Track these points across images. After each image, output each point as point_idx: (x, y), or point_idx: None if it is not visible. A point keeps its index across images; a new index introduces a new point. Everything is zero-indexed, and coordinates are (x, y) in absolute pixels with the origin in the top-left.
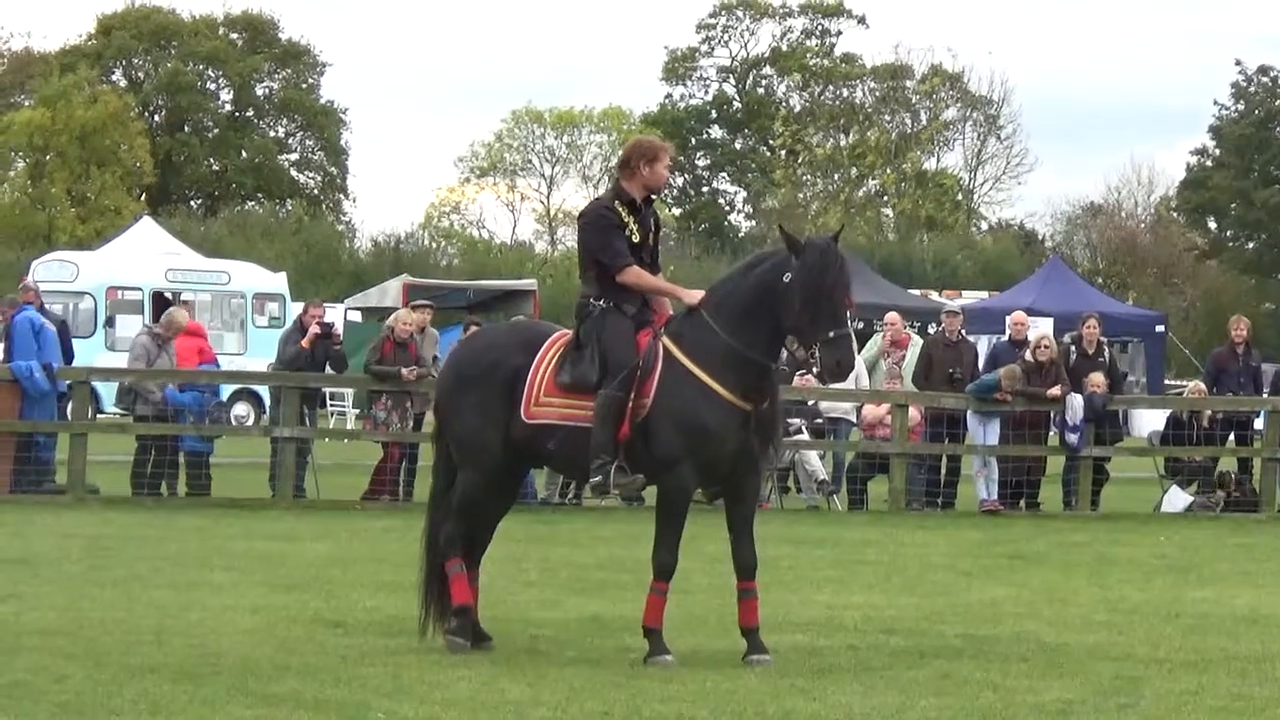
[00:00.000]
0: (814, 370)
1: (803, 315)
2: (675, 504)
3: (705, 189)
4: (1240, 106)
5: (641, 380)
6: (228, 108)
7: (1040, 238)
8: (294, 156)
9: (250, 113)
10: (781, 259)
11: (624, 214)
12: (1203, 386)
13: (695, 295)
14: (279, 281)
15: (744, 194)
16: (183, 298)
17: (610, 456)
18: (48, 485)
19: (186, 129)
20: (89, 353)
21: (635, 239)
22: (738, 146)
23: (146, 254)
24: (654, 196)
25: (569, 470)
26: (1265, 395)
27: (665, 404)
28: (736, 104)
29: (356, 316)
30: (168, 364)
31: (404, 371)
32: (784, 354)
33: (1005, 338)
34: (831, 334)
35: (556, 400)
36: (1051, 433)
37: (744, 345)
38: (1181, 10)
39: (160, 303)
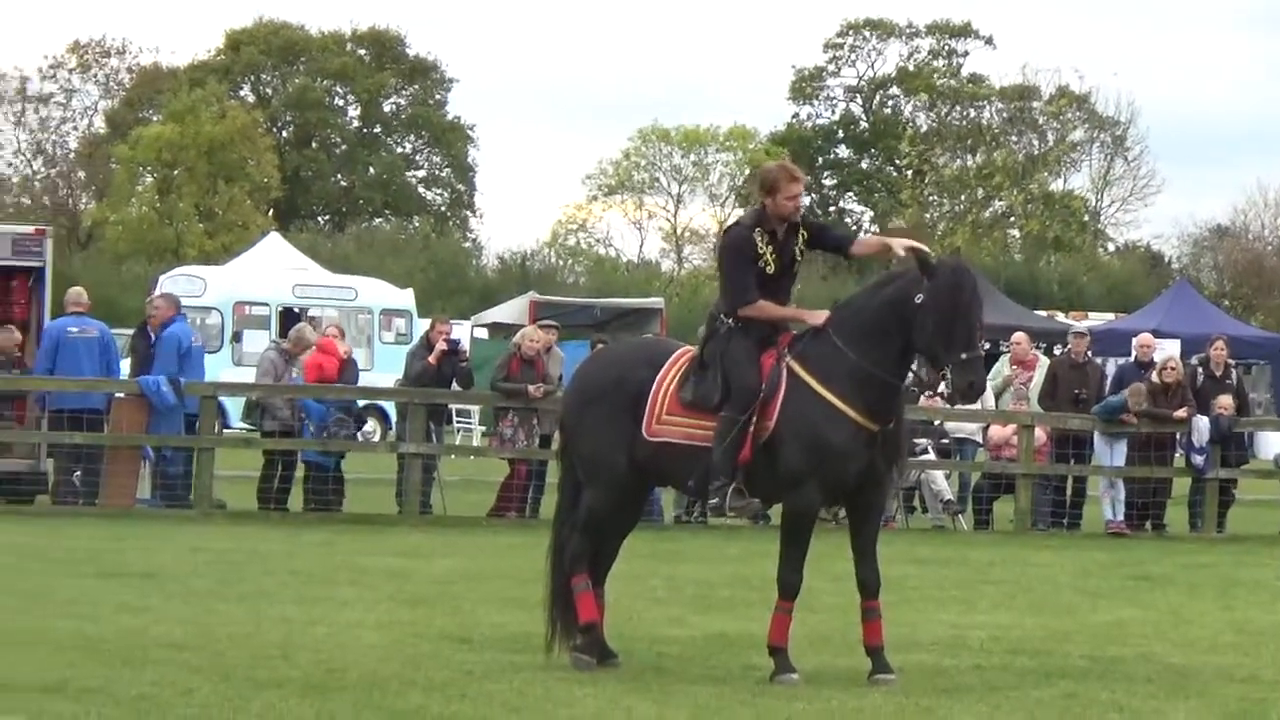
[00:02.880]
0: (944, 392)
1: (935, 337)
2: (800, 523)
3: (832, 208)
4: None
5: (764, 403)
6: (355, 124)
7: (1167, 259)
8: (421, 173)
9: (378, 129)
10: (912, 279)
11: (761, 243)
12: None
13: (820, 316)
14: (406, 298)
15: (870, 214)
16: (310, 313)
17: (729, 478)
18: (174, 500)
19: (314, 145)
20: (216, 368)
21: (771, 269)
22: (864, 166)
23: (274, 269)
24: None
25: (690, 490)
26: None
27: (791, 424)
28: (863, 124)
29: (483, 333)
30: (294, 380)
31: (530, 389)
32: (910, 374)
33: (1131, 359)
34: (964, 356)
35: (678, 419)
36: (1177, 454)
37: (872, 364)
38: None
39: (289, 319)
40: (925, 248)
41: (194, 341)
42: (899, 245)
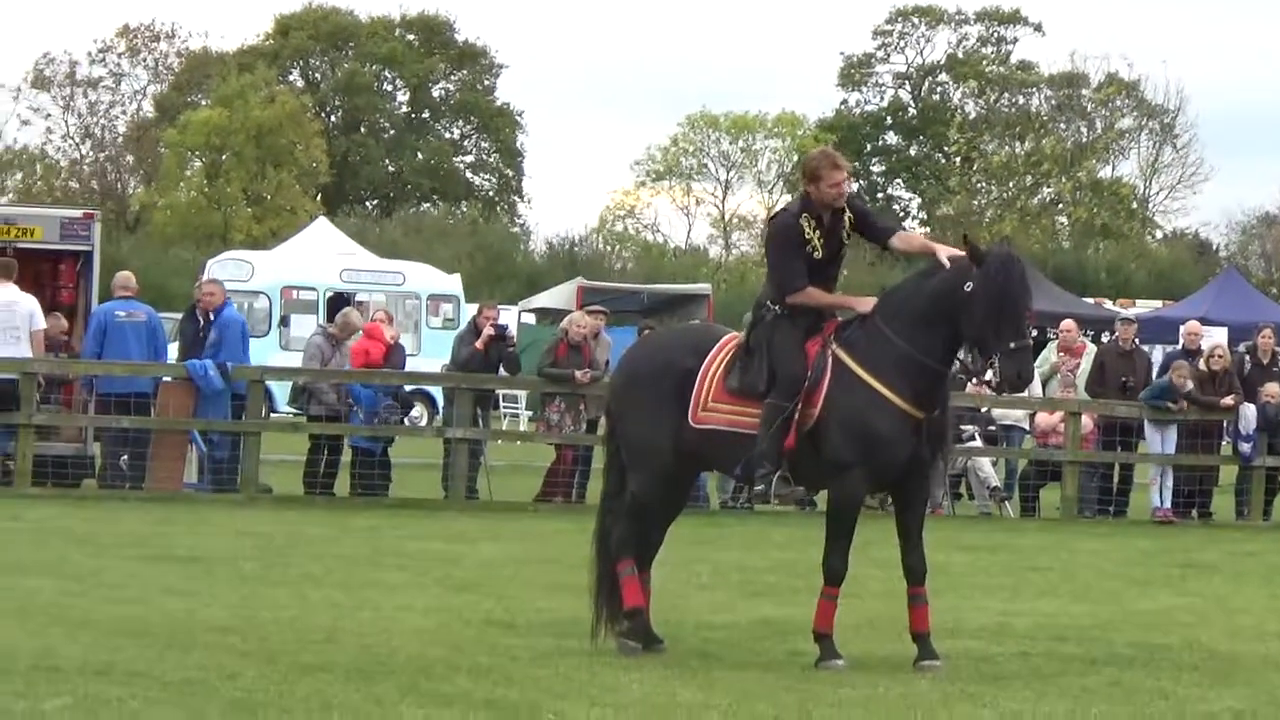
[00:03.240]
0: (991, 381)
1: (984, 325)
2: (846, 510)
3: (880, 195)
4: None
5: (809, 390)
6: (404, 109)
7: (1214, 247)
8: (469, 158)
9: (426, 114)
10: (962, 267)
11: (809, 229)
12: None
13: (868, 303)
14: (453, 283)
15: (918, 200)
16: (357, 298)
17: (774, 466)
18: (220, 484)
19: (363, 130)
20: (263, 352)
21: (818, 255)
22: (913, 153)
23: (322, 254)
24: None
25: (737, 475)
26: None
27: (836, 412)
28: (912, 110)
29: (530, 319)
30: (341, 364)
31: (577, 374)
32: (956, 362)
33: (1179, 347)
34: (1013, 345)
35: (725, 405)
36: (1224, 442)
37: (920, 352)
38: None
39: (337, 304)
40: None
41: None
42: (944, 254)
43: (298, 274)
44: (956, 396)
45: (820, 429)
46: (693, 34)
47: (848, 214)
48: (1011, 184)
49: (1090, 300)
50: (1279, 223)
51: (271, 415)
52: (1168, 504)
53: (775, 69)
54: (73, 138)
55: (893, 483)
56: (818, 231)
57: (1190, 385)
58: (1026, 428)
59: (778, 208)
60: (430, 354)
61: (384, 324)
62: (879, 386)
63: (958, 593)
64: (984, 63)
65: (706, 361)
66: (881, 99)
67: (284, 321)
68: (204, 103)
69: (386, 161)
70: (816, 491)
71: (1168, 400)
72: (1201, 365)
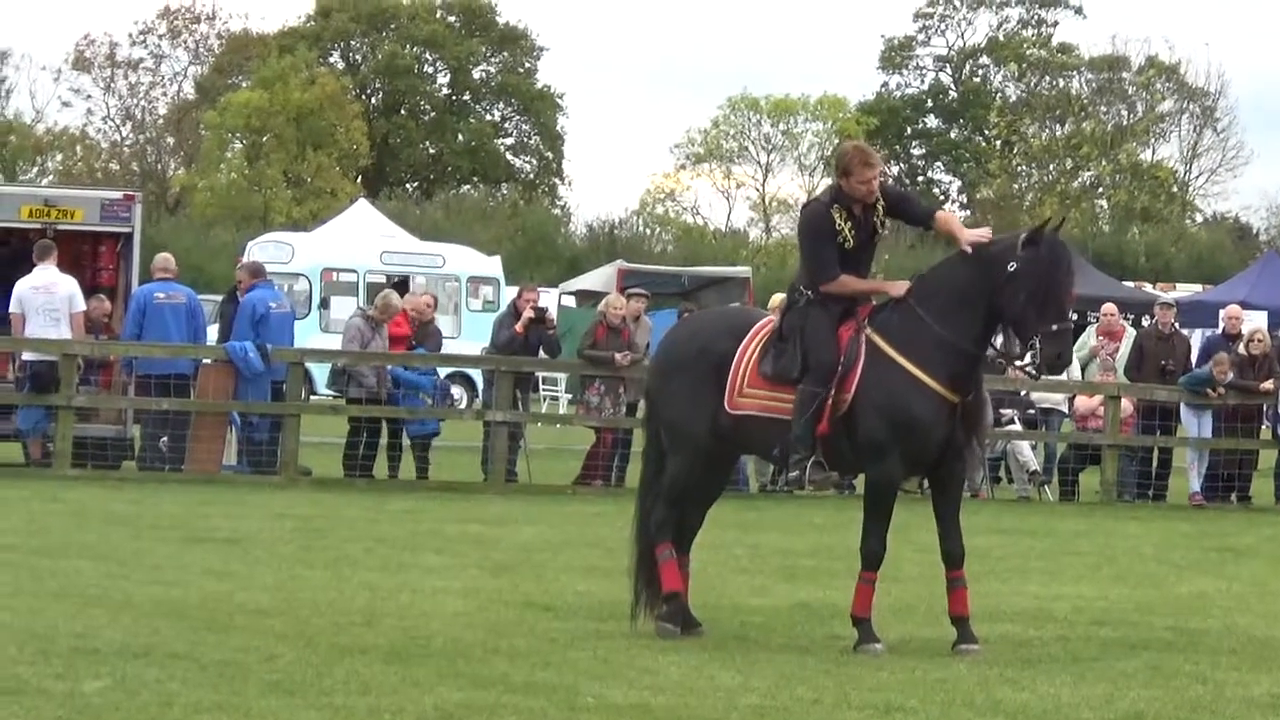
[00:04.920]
0: (1029, 365)
1: (1028, 306)
2: (883, 494)
3: (920, 178)
4: None
5: (842, 376)
6: (445, 91)
7: (1254, 231)
8: (510, 140)
9: (467, 96)
10: (1006, 246)
11: (839, 219)
12: None
13: (901, 287)
14: (494, 265)
15: (959, 184)
16: (415, 279)
17: (808, 451)
18: (260, 466)
19: (403, 112)
20: (303, 334)
21: (849, 245)
22: (953, 136)
23: (362, 236)
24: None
25: (775, 458)
26: None
27: (871, 396)
28: (952, 93)
29: (570, 301)
30: (381, 347)
31: (617, 356)
32: (991, 348)
33: (1219, 331)
34: (1055, 327)
35: (760, 391)
36: (1264, 426)
37: (955, 335)
38: None
39: (391, 286)
40: (988, 237)
41: (274, 307)
42: (965, 240)
43: (338, 256)
44: (996, 380)
45: (855, 413)
46: (734, 16)
47: (880, 202)
48: (1051, 167)
49: (1130, 284)
50: None
51: (311, 398)
52: (1197, 487)
53: (816, 51)
54: (113, 119)
55: (929, 466)
56: (849, 222)
57: (1231, 376)
58: (1066, 411)
59: (811, 196)
60: (470, 336)
61: (429, 306)
62: (914, 370)
63: (997, 576)
64: (1024, 45)
65: (742, 346)
66: (922, 82)
67: (324, 304)
68: (244, 84)
69: (427, 144)
70: (853, 476)
71: (1207, 388)
72: (1241, 349)
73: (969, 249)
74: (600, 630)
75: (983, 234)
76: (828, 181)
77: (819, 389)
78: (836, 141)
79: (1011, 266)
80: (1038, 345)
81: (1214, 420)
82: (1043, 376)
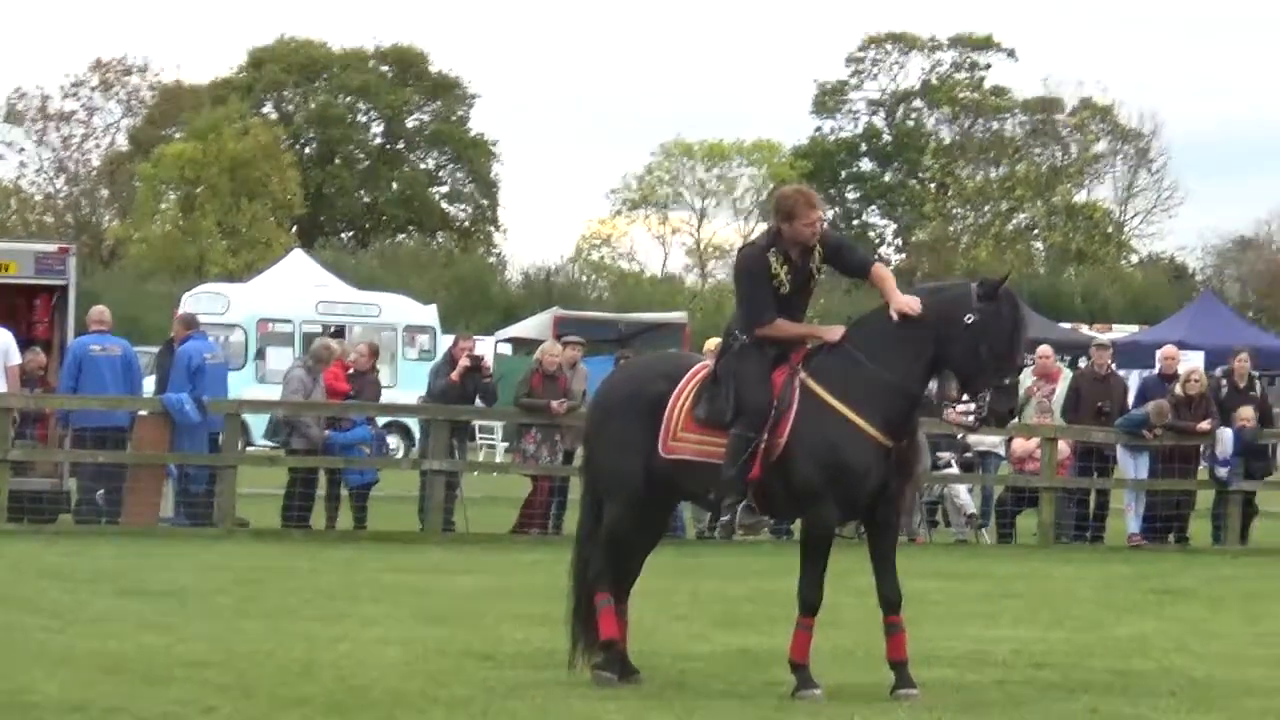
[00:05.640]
0: (972, 416)
1: (984, 359)
2: (818, 539)
3: (855, 222)
4: None
5: (776, 420)
6: (378, 140)
7: (1190, 271)
8: (445, 189)
9: (401, 145)
10: (959, 297)
11: (776, 264)
12: None
13: (837, 332)
14: (429, 314)
15: (894, 227)
16: (351, 329)
17: (739, 496)
18: (197, 518)
19: (337, 161)
20: (239, 385)
21: (785, 290)
22: (887, 179)
23: (297, 286)
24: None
25: (710, 504)
26: None
27: (805, 441)
28: (886, 137)
29: (506, 349)
30: (319, 397)
31: (553, 404)
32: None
33: (1155, 371)
34: (1006, 381)
35: (694, 436)
36: (1201, 466)
37: (895, 376)
38: None
39: (334, 337)
40: (917, 310)
41: (209, 359)
42: (894, 307)
43: (273, 307)
44: (933, 423)
45: (789, 458)
46: (667, 62)
47: (818, 249)
48: (986, 209)
49: (1066, 325)
50: (1254, 246)
51: (248, 449)
52: (1136, 528)
53: (750, 96)
54: (46, 172)
55: (864, 511)
56: (785, 267)
57: (1169, 418)
58: (1002, 454)
59: (745, 241)
60: (407, 386)
61: (365, 356)
62: (848, 414)
63: (935, 620)
64: (957, 88)
65: (677, 390)
66: (856, 125)
67: (260, 354)
68: (177, 136)
69: (361, 193)
70: (788, 520)
71: (1143, 430)
72: (1178, 390)
73: (895, 317)
74: (539, 679)
75: (914, 305)
76: (763, 226)
77: (751, 433)
78: (771, 186)
79: (969, 319)
80: (987, 398)
81: (1151, 461)
82: (988, 427)
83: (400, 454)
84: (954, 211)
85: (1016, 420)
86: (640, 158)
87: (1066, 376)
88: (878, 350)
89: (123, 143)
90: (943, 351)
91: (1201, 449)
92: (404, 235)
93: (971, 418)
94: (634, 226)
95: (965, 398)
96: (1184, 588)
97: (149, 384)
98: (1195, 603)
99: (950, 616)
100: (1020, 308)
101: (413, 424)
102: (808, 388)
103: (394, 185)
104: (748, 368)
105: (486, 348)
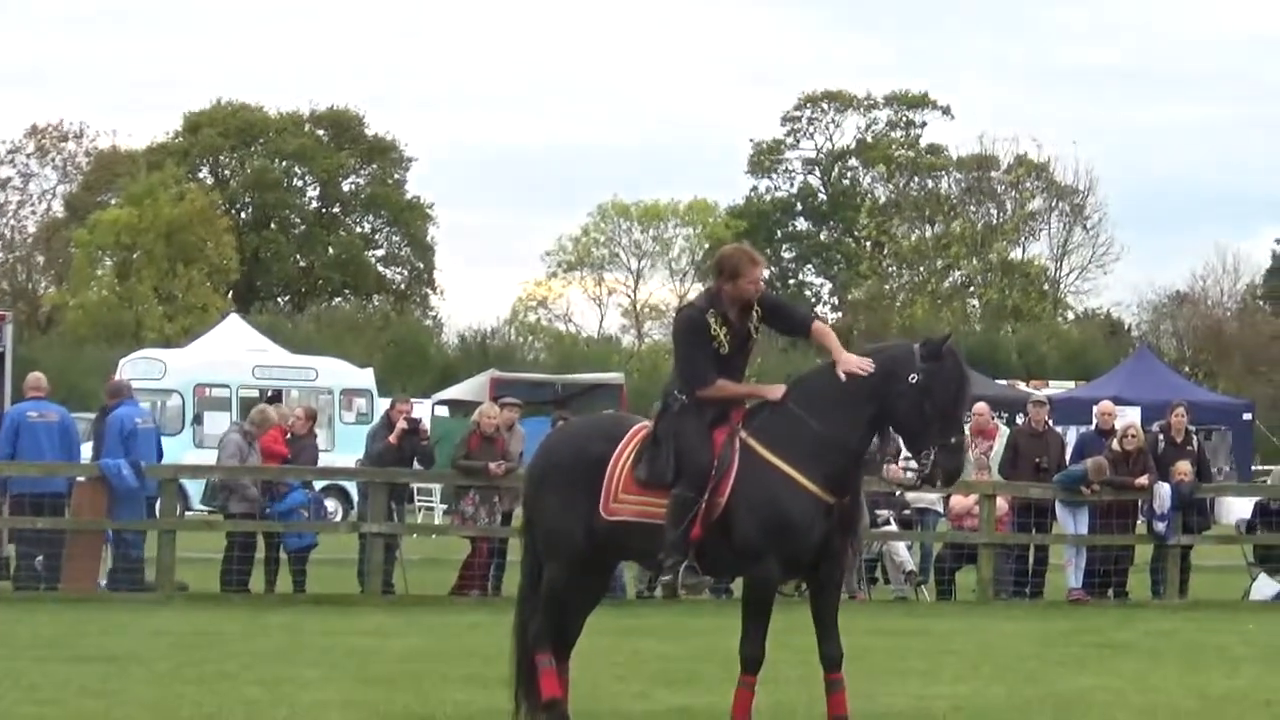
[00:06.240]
0: (915, 474)
1: (930, 419)
2: (760, 597)
3: (791, 281)
4: None
5: (717, 480)
6: (314, 204)
7: (1126, 327)
8: (381, 252)
9: (337, 209)
10: (903, 356)
11: (715, 324)
12: None
13: (778, 390)
14: (366, 377)
15: (829, 286)
16: (288, 394)
17: (680, 556)
18: (136, 583)
19: (273, 225)
20: (177, 450)
21: (724, 350)
22: (823, 238)
23: (234, 351)
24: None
25: (651, 565)
26: None
27: (746, 499)
28: (822, 196)
29: (444, 411)
30: (256, 461)
31: (491, 466)
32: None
33: (1092, 427)
34: (952, 440)
35: (635, 497)
36: (1139, 521)
37: (837, 432)
38: (1263, 99)
39: (271, 401)
40: (868, 370)
41: (141, 423)
42: (842, 368)
43: (210, 372)
44: (871, 480)
45: (731, 516)
46: (603, 124)
47: (756, 309)
48: (922, 267)
49: (1002, 382)
50: (1190, 301)
51: (186, 513)
52: (1079, 583)
53: (685, 157)
54: None
55: (806, 568)
56: (724, 328)
57: (1107, 474)
58: (941, 510)
59: (683, 303)
60: (344, 449)
61: (303, 420)
62: (790, 471)
63: (875, 677)
64: (893, 146)
65: (617, 451)
66: (791, 185)
67: (198, 419)
68: (114, 201)
69: (297, 257)
70: (730, 578)
71: (1081, 485)
72: (1115, 445)
73: (843, 377)
74: None
75: (865, 365)
76: (699, 286)
77: (692, 493)
78: (706, 246)
79: (914, 379)
80: (932, 457)
81: (1090, 517)
82: (934, 486)
83: (339, 517)
84: (890, 269)
85: None
86: (576, 219)
87: (1004, 433)
88: (820, 408)
89: (58, 209)
90: (886, 410)
91: (1140, 504)
92: (340, 299)
93: (913, 475)
94: (570, 288)
95: (907, 454)
96: (1123, 642)
97: (86, 450)
98: (1135, 657)
99: (891, 673)
100: (963, 366)
101: (351, 487)
102: (748, 446)
103: (330, 249)
104: (688, 428)
105: (424, 410)
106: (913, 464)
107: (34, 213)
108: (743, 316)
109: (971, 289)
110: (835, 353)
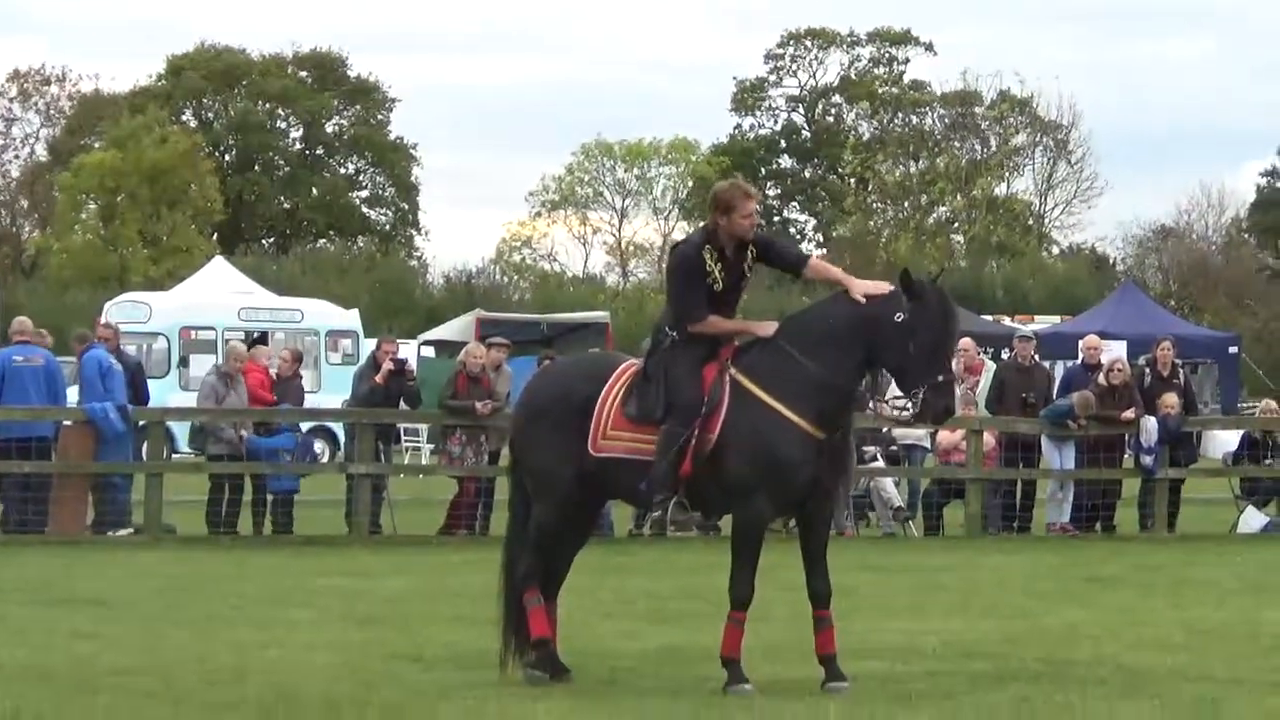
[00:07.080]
0: (907, 410)
1: (916, 358)
2: (750, 534)
3: (776, 219)
4: None
5: (707, 416)
6: (298, 146)
7: (1111, 261)
8: (365, 193)
9: (320, 150)
10: (891, 296)
11: (710, 260)
12: (1275, 405)
13: (770, 327)
14: (352, 318)
15: (814, 223)
16: (273, 335)
17: (670, 491)
18: (124, 526)
19: (257, 168)
20: (163, 393)
21: (719, 287)
22: (807, 176)
23: (219, 293)
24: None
25: (638, 502)
26: None
27: (736, 435)
28: (805, 133)
29: (430, 352)
30: (238, 402)
31: (478, 405)
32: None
33: (1078, 362)
34: (940, 379)
35: (624, 433)
36: (1127, 455)
37: (828, 370)
38: (1246, 34)
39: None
40: (886, 288)
41: (113, 364)
42: (858, 290)
43: (195, 314)
44: (859, 418)
45: (720, 453)
46: (586, 63)
47: (750, 247)
48: (906, 203)
49: (988, 317)
50: (1175, 235)
51: (173, 456)
52: (1065, 518)
53: (669, 96)
54: None
55: (796, 505)
56: (719, 264)
57: (1094, 409)
58: (928, 446)
59: (679, 238)
60: (330, 390)
61: (288, 361)
62: (780, 408)
63: (864, 614)
64: (876, 83)
65: (605, 389)
66: (775, 122)
67: (183, 362)
68: (97, 145)
69: (282, 199)
70: (719, 516)
71: (1068, 420)
72: (1102, 379)
73: (862, 300)
74: (469, 680)
75: (881, 286)
76: (684, 224)
77: (682, 429)
78: (690, 185)
79: (899, 317)
80: (922, 396)
81: (1076, 451)
82: (925, 424)
83: (325, 458)
84: (874, 206)
85: None
86: (560, 159)
87: (990, 369)
88: (811, 346)
89: (42, 153)
90: (876, 350)
91: (1126, 438)
92: (325, 240)
93: (907, 413)
94: (554, 228)
95: (897, 393)
96: (1112, 576)
97: (73, 394)
98: (1123, 591)
99: (879, 609)
100: (950, 305)
101: (337, 428)
102: (739, 383)
103: (314, 191)
104: (679, 364)
105: (409, 351)
106: (903, 401)
107: (17, 157)
108: (738, 254)
109: (956, 225)
110: (844, 281)
